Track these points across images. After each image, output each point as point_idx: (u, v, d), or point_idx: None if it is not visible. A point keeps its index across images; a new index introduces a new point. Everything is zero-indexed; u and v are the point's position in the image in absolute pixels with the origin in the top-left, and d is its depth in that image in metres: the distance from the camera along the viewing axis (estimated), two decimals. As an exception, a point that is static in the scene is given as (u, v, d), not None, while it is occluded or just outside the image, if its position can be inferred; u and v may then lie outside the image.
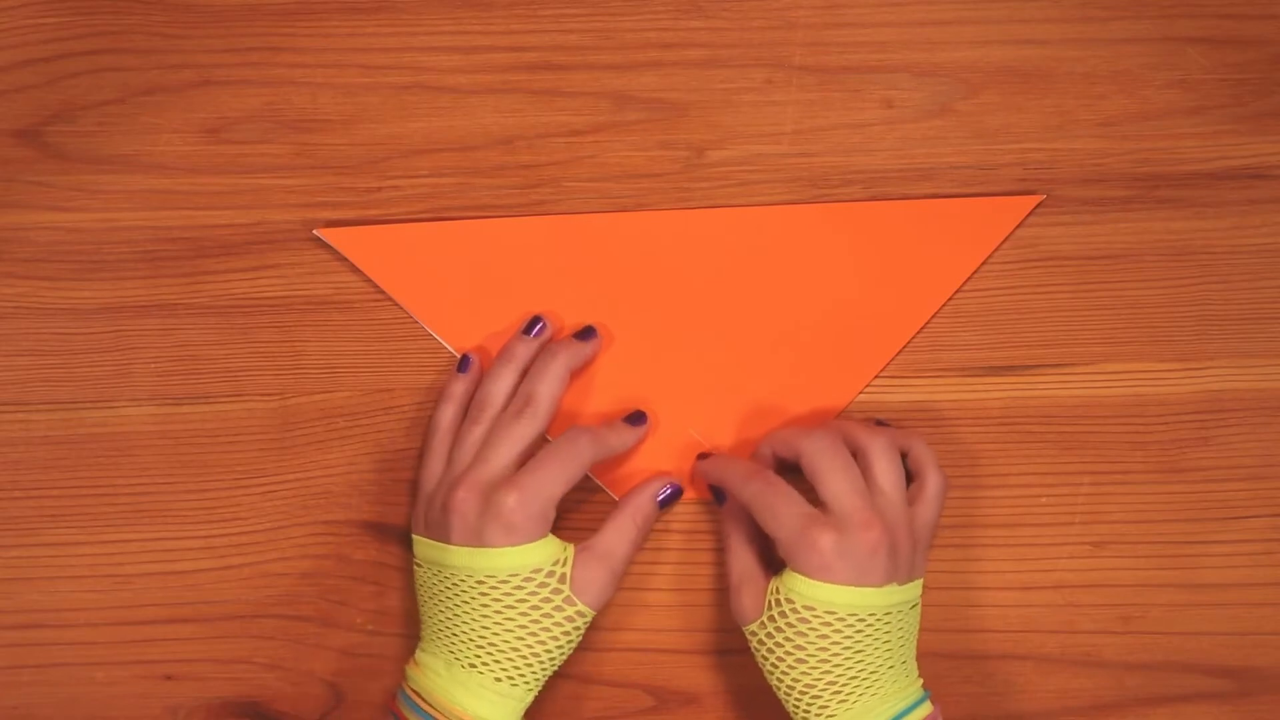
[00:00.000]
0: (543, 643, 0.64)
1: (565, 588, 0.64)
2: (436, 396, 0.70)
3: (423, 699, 0.64)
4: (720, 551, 0.71)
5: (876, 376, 0.72)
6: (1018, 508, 0.72)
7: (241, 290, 0.72)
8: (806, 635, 0.63)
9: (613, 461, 0.71)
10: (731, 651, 0.71)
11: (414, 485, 0.71)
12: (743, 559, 0.67)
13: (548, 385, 0.67)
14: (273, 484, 0.72)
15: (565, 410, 0.71)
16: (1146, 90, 0.73)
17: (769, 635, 0.64)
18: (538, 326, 0.70)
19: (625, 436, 0.69)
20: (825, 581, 0.62)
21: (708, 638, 0.72)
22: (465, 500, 0.64)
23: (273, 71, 0.73)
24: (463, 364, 0.70)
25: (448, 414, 0.69)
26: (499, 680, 0.64)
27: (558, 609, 0.64)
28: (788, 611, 0.63)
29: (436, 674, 0.65)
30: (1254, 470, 0.72)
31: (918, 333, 0.72)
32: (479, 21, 0.73)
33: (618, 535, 0.67)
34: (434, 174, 0.72)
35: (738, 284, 0.72)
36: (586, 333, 0.70)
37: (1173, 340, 0.72)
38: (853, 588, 0.62)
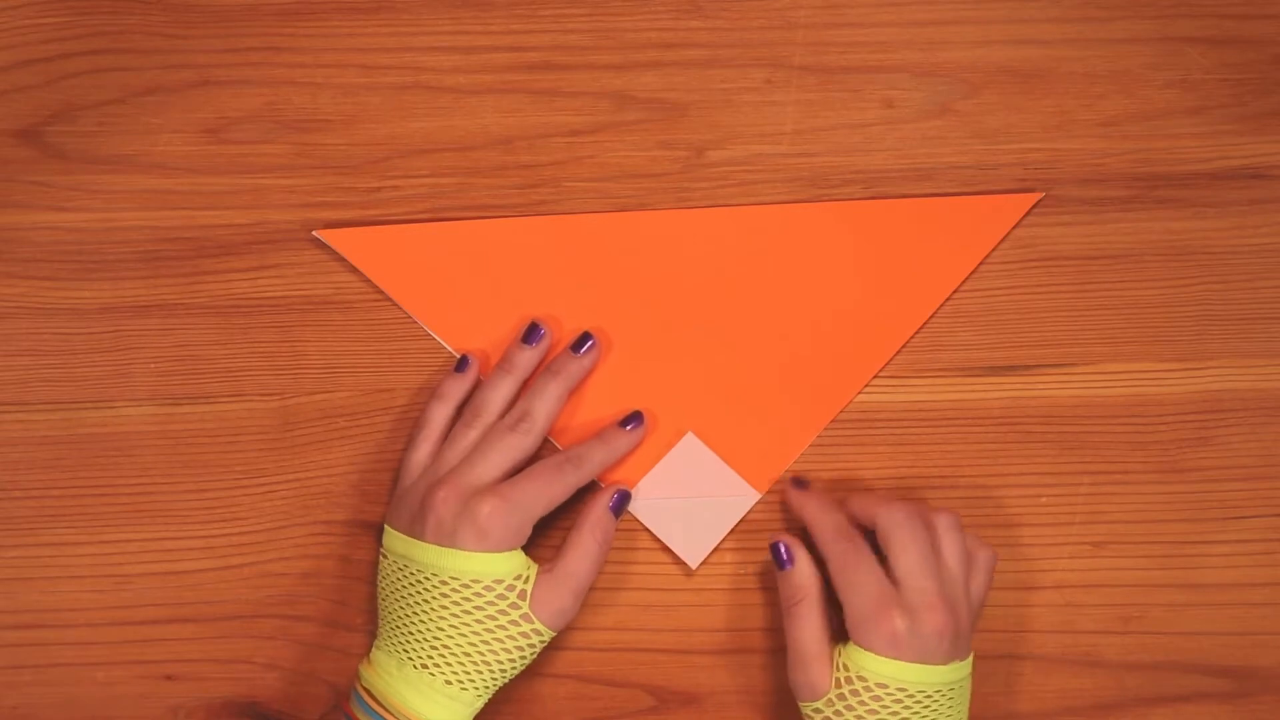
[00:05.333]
0: (494, 652, 0.64)
1: (524, 604, 0.65)
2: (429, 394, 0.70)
3: (374, 699, 0.65)
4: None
5: (876, 376, 0.72)
6: (1018, 508, 0.72)
7: (241, 290, 0.72)
8: (879, 713, 0.63)
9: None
10: (731, 651, 0.71)
11: (394, 477, 0.71)
12: (812, 630, 0.66)
13: (545, 404, 0.68)
14: (273, 484, 0.72)
15: (567, 409, 0.71)
16: (1146, 90, 0.73)
17: (837, 713, 0.64)
18: (538, 334, 0.70)
19: (620, 444, 0.69)
20: (894, 659, 0.63)
21: (708, 638, 0.72)
22: (445, 500, 0.65)
23: (273, 71, 0.73)
24: (461, 364, 0.70)
25: (440, 412, 0.69)
26: (449, 683, 0.64)
27: (513, 623, 0.65)
28: (860, 690, 0.63)
29: (389, 673, 0.65)
30: (1254, 470, 0.72)
31: (917, 332, 0.72)
32: (479, 21, 0.73)
33: (580, 557, 0.66)
34: (434, 174, 0.72)
35: (737, 283, 0.72)
36: (583, 342, 0.70)
37: (1173, 340, 0.72)
38: (921, 665, 0.63)
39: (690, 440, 0.71)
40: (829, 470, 0.71)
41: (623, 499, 0.69)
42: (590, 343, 0.70)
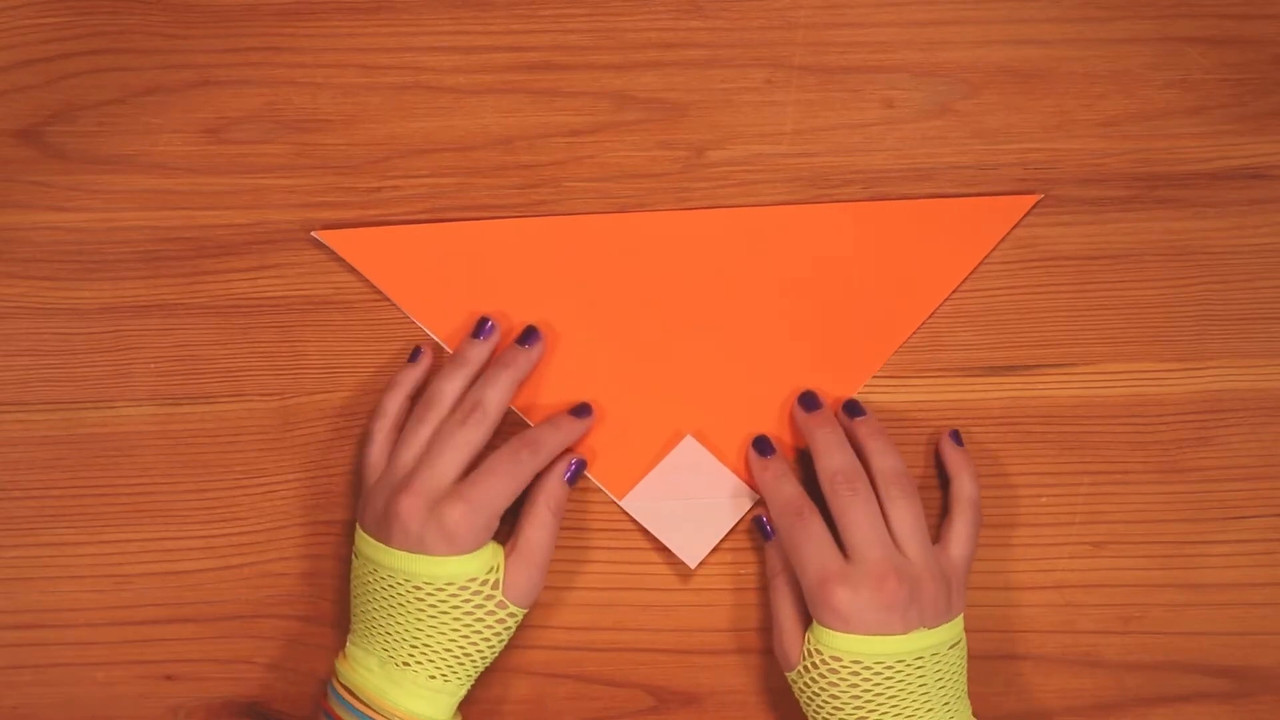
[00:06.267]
0: (475, 644, 0.65)
1: (498, 593, 0.65)
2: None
3: (356, 696, 0.65)
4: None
5: (875, 376, 0.72)
6: (1018, 508, 0.72)
7: (241, 290, 0.72)
8: (838, 685, 0.63)
9: (601, 449, 0.71)
10: (731, 651, 0.71)
11: (356, 475, 0.71)
12: (786, 605, 0.67)
13: (497, 393, 0.68)
14: (273, 484, 0.72)
15: (566, 405, 0.71)
16: (1146, 90, 0.73)
17: (807, 684, 0.65)
18: (486, 328, 0.70)
19: (569, 431, 0.69)
20: (845, 633, 0.63)
21: (708, 638, 0.72)
22: (410, 508, 0.64)
23: (273, 71, 0.73)
24: (414, 355, 0.70)
25: (394, 402, 0.69)
26: (432, 678, 0.65)
27: (490, 613, 0.65)
28: (818, 662, 0.64)
29: (369, 670, 0.65)
30: (1254, 470, 0.72)
31: (914, 332, 0.72)
32: (479, 21, 0.73)
33: (539, 530, 0.67)
34: (434, 174, 0.72)
35: (737, 284, 0.72)
36: (529, 335, 0.70)
37: (1173, 340, 0.72)
38: (875, 637, 0.63)
39: (689, 443, 0.71)
40: (829, 470, 0.71)
41: (579, 467, 0.69)
42: (536, 336, 0.70)
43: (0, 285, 0.72)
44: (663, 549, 0.71)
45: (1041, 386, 0.72)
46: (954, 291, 0.72)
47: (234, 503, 0.72)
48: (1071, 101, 0.73)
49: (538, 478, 0.68)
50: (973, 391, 0.72)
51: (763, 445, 0.70)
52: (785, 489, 0.67)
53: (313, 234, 0.72)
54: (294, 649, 0.72)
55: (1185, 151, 0.73)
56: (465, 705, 0.70)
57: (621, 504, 0.71)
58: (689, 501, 0.71)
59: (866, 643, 0.63)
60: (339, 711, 0.65)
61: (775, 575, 0.68)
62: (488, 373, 0.69)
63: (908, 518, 0.65)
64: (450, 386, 0.68)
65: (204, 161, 0.73)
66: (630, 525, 0.71)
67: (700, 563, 0.71)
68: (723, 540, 0.71)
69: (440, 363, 0.71)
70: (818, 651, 0.64)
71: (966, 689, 0.66)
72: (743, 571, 0.71)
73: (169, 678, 0.71)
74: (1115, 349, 0.72)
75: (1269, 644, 0.71)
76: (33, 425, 0.72)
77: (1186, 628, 0.71)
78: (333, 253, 0.72)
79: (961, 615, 0.66)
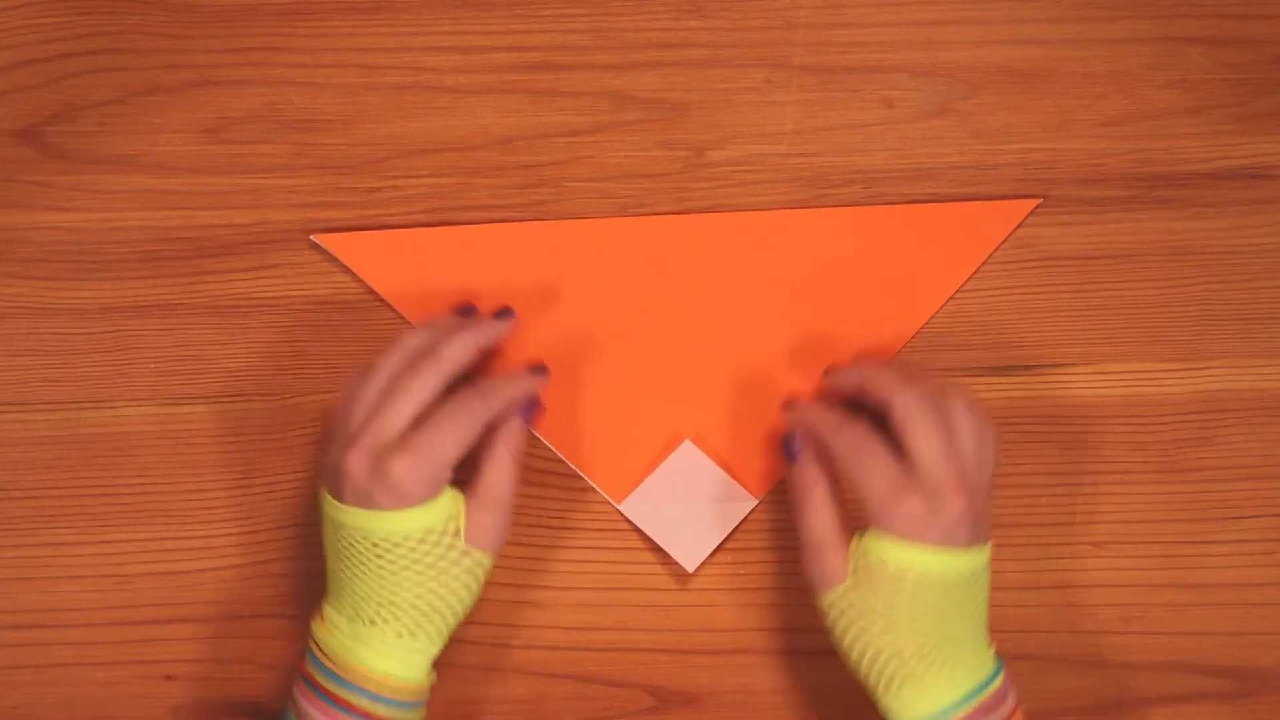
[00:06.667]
0: (443, 597, 0.63)
1: (460, 541, 0.63)
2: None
3: (329, 659, 0.64)
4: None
5: (876, 376, 0.72)
6: (1018, 508, 0.72)
7: (241, 290, 0.72)
8: (898, 599, 0.62)
9: (600, 452, 0.71)
10: (731, 651, 0.71)
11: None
12: (824, 519, 0.64)
13: (452, 347, 0.65)
14: (273, 484, 0.72)
15: (565, 419, 0.71)
16: (1146, 90, 0.73)
17: (859, 599, 0.62)
18: (468, 309, 0.70)
19: (521, 384, 0.68)
20: (914, 543, 0.61)
21: (708, 638, 0.72)
22: (356, 462, 0.62)
23: (273, 71, 0.73)
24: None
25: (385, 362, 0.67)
26: (400, 636, 0.63)
27: (455, 563, 0.63)
28: (876, 575, 0.62)
29: (340, 630, 0.64)
30: (1254, 470, 0.72)
31: (914, 335, 0.72)
32: (479, 21, 0.73)
33: (498, 473, 0.65)
34: (434, 174, 0.72)
35: (737, 288, 0.72)
36: (503, 312, 0.70)
37: (1173, 340, 0.72)
38: (943, 552, 0.61)
39: (688, 448, 0.71)
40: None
41: (533, 406, 0.68)
42: (510, 314, 0.69)
43: (0, 285, 0.72)
44: (662, 549, 0.71)
45: (1041, 386, 0.72)
46: (951, 296, 0.72)
47: (234, 503, 0.72)
48: (1071, 101, 0.73)
49: (498, 428, 0.66)
50: (973, 391, 0.72)
51: (790, 404, 0.70)
52: (834, 411, 0.66)
53: (311, 238, 0.72)
54: (294, 649, 0.72)
55: (1185, 151, 0.73)
56: (464, 704, 0.70)
57: (620, 508, 0.71)
58: (687, 506, 0.71)
59: (934, 556, 0.61)
60: (314, 673, 0.64)
61: (807, 491, 0.65)
62: (449, 330, 0.67)
63: (972, 434, 0.63)
64: (411, 343, 0.66)
65: (204, 161, 0.73)
66: (630, 526, 0.71)
67: (698, 567, 0.71)
68: (723, 541, 0.71)
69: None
70: (880, 564, 0.61)
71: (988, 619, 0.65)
72: (742, 572, 0.71)
73: (169, 678, 0.71)
74: (1115, 349, 0.72)
75: (1269, 644, 0.71)
76: (33, 425, 0.72)
77: (1186, 628, 0.71)
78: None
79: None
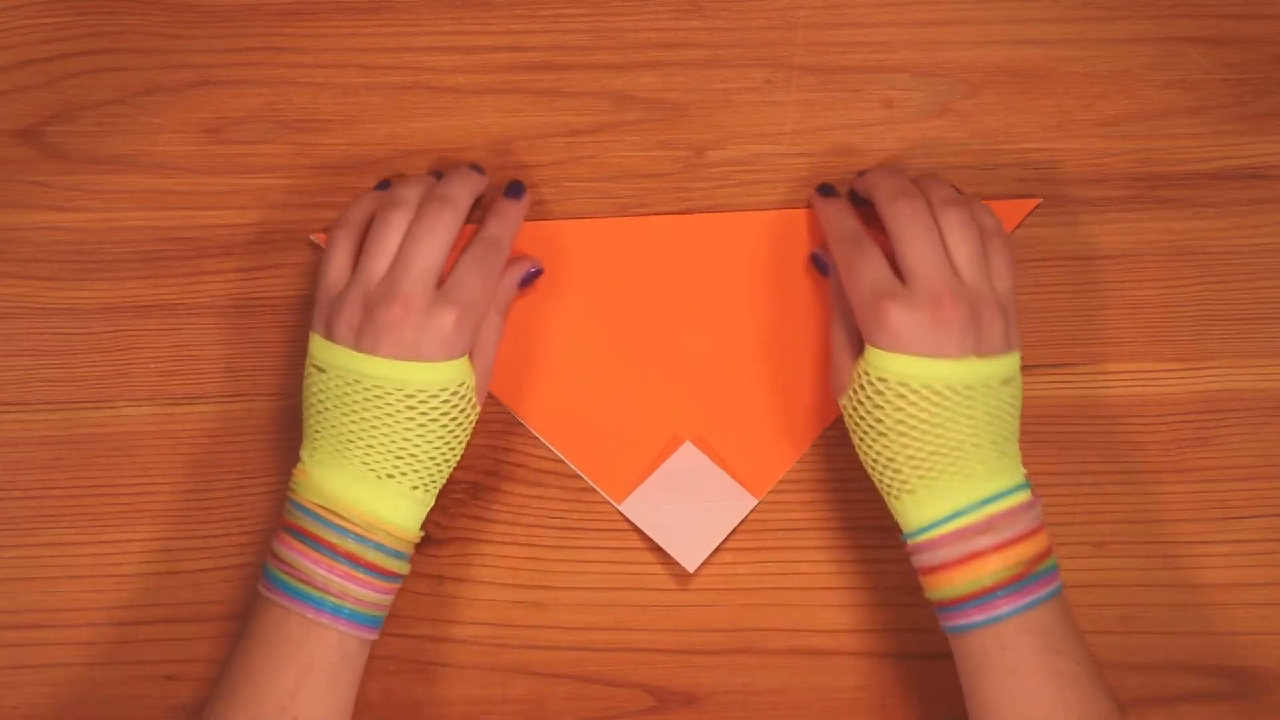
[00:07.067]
0: (454, 449, 0.65)
1: (472, 394, 0.65)
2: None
3: (332, 511, 0.63)
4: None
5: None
6: (1018, 508, 0.72)
7: (241, 290, 0.72)
8: (883, 408, 0.62)
9: (600, 453, 0.71)
10: (731, 651, 0.71)
11: (316, 285, 0.68)
12: (841, 336, 0.66)
13: (458, 187, 0.67)
14: (273, 484, 0.72)
15: (564, 413, 0.71)
16: (1146, 90, 0.73)
17: (855, 408, 0.64)
18: (437, 172, 0.70)
19: (513, 216, 0.68)
20: (895, 352, 0.62)
21: (708, 638, 0.72)
22: (400, 315, 0.63)
23: (273, 71, 0.73)
24: (380, 185, 0.70)
25: (359, 211, 0.67)
26: (415, 489, 0.64)
27: (468, 416, 0.65)
28: (866, 385, 0.63)
29: (347, 485, 0.63)
30: (1254, 470, 0.72)
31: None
32: (479, 21, 0.73)
33: (492, 333, 0.67)
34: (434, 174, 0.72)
35: (737, 288, 0.72)
36: (514, 188, 0.70)
37: (1173, 340, 0.72)
38: (926, 359, 0.61)
39: (688, 449, 0.71)
40: (829, 473, 0.71)
41: (534, 274, 0.70)
42: (521, 188, 0.70)
43: (0, 285, 0.72)
44: (662, 549, 0.71)
45: (1041, 386, 0.72)
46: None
47: (234, 503, 0.72)
48: (1071, 101, 0.73)
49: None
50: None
51: (827, 188, 0.71)
52: (845, 221, 0.67)
53: (311, 238, 0.72)
54: (294, 649, 0.71)
55: (1185, 151, 0.73)
56: (464, 704, 0.70)
57: (620, 508, 0.71)
58: (688, 506, 0.71)
59: (917, 364, 0.61)
60: (314, 529, 0.63)
61: (833, 304, 0.68)
62: (448, 173, 0.68)
63: (965, 244, 0.64)
64: (412, 192, 0.66)
65: (204, 161, 0.73)
66: (630, 526, 0.71)
67: (698, 567, 0.71)
68: (723, 541, 0.71)
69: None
70: (866, 374, 0.63)
71: (1018, 435, 0.65)
72: (742, 572, 0.71)
73: (169, 678, 0.71)
74: (1115, 349, 0.72)
75: (1269, 644, 0.71)
76: (33, 425, 0.72)
77: (1186, 628, 0.71)
78: (333, 253, 0.72)
79: (1018, 354, 0.65)
